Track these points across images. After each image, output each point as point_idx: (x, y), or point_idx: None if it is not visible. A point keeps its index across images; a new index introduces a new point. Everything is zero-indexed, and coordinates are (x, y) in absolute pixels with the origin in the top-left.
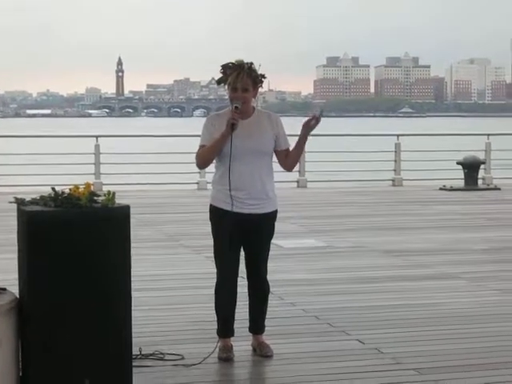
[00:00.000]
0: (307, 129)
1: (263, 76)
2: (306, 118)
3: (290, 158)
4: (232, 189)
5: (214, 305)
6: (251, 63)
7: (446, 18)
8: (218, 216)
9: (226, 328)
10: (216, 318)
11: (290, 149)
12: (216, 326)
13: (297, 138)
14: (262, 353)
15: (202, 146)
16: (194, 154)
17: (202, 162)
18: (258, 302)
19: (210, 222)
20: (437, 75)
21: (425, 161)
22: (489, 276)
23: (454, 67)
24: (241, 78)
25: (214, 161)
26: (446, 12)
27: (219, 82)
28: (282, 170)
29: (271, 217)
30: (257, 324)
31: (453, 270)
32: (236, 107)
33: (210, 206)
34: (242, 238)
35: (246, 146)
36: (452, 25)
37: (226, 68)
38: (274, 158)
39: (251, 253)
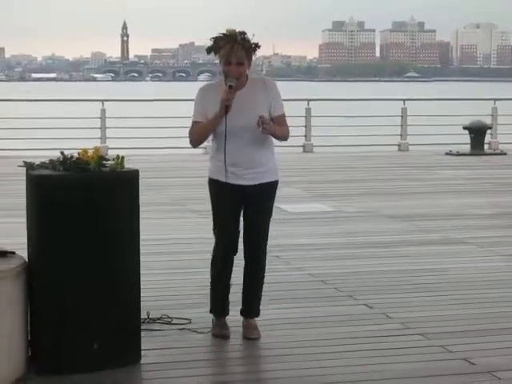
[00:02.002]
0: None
1: (257, 45)
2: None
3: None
4: (228, 165)
5: (214, 278)
6: (244, 33)
7: None
8: (215, 187)
9: (221, 306)
10: (210, 296)
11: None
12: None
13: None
14: (246, 334)
15: (194, 123)
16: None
17: (196, 141)
18: (253, 283)
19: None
20: (442, 40)
21: (431, 125)
22: (496, 241)
23: (460, 32)
24: (235, 51)
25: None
26: None
27: (209, 50)
28: (290, 134)
29: (270, 187)
30: (250, 306)
31: (460, 236)
32: (230, 86)
33: (208, 178)
34: (240, 211)
35: (240, 122)
36: None
37: (218, 39)
38: None
39: (248, 227)
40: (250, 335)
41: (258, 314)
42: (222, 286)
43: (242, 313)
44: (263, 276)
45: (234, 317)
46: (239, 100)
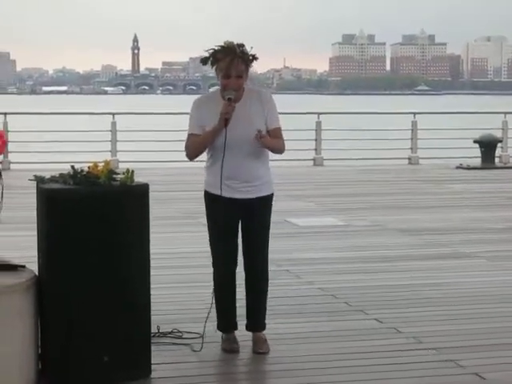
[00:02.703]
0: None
1: (254, 57)
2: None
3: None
4: (224, 178)
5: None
6: (243, 45)
7: None
8: (210, 201)
9: (226, 322)
10: (216, 311)
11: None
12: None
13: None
14: (255, 348)
15: (191, 135)
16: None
17: (193, 154)
18: (255, 297)
19: (202, 204)
20: (453, 53)
21: (441, 139)
22: (507, 255)
23: (471, 45)
24: (235, 64)
25: None
26: None
27: (205, 61)
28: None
29: (266, 201)
30: (255, 320)
31: (471, 250)
32: (229, 99)
33: (204, 191)
34: (237, 225)
35: (239, 135)
36: (468, 2)
37: (216, 52)
38: None
39: (247, 240)
40: (259, 349)
41: (264, 328)
42: (228, 300)
43: (248, 327)
44: (267, 289)
45: (243, 331)
46: (236, 113)
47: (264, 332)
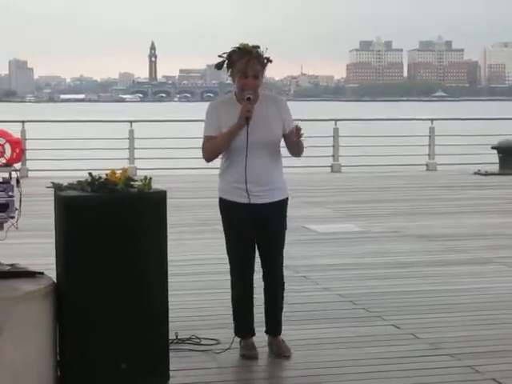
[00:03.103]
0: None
1: (269, 60)
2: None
3: (290, 149)
4: (248, 183)
5: (231, 301)
6: (258, 47)
7: (479, 2)
8: (228, 209)
9: (245, 328)
10: (233, 318)
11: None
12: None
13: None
14: (279, 351)
15: (207, 137)
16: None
17: (211, 155)
18: (274, 302)
19: (220, 215)
20: (470, 59)
21: (459, 145)
22: None
23: (488, 51)
24: (252, 64)
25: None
26: None
27: (220, 66)
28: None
29: (282, 205)
30: (275, 324)
31: (489, 255)
32: (248, 98)
33: (220, 198)
34: (254, 231)
35: (257, 137)
36: (485, 8)
37: (231, 54)
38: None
39: (264, 246)
40: (286, 353)
41: (281, 331)
42: (246, 306)
43: (268, 331)
44: (283, 293)
45: (259, 337)
46: (256, 115)
47: (282, 338)
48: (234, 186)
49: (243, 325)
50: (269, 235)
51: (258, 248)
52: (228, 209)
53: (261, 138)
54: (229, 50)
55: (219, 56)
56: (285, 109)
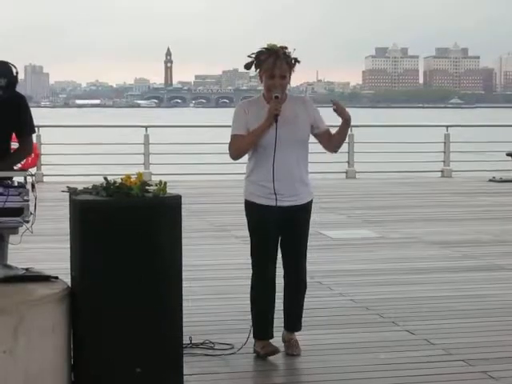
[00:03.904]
0: (343, 114)
1: (297, 60)
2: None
3: (335, 140)
4: (276, 184)
5: (250, 304)
6: (285, 47)
7: (495, 9)
8: (255, 212)
9: (265, 330)
10: (252, 320)
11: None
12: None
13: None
14: (287, 351)
15: (235, 136)
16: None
17: (239, 152)
18: (295, 299)
19: (246, 218)
20: (486, 66)
21: (474, 152)
22: None
23: (504, 58)
24: (279, 64)
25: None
26: (495, 2)
27: (249, 66)
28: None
29: (308, 207)
30: (295, 320)
31: (504, 262)
32: (276, 97)
33: (246, 201)
34: (279, 233)
35: (287, 135)
36: (501, 15)
37: (259, 54)
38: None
39: (288, 247)
40: (293, 352)
41: (301, 327)
42: (268, 305)
43: (287, 327)
44: (305, 293)
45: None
46: (283, 115)
47: (296, 339)
48: (261, 184)
49: (264, 326)
50: (293, 235)
51: (281, 248)
52: (254, 211)
53: (289, 135)
54: (257, 50)
55: (248, 56)
56: (313, 108)
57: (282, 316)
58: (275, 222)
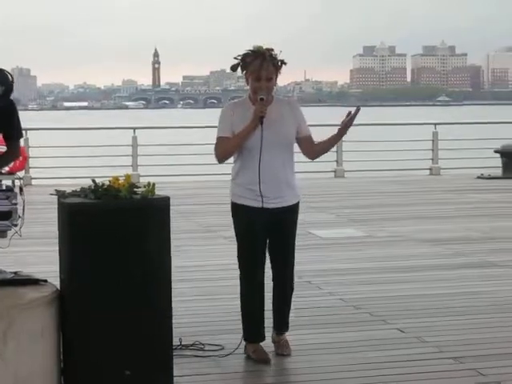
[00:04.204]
0: (345, 129)
1: (283, 62)
2: (345, 118)
3: (318, 148)
4: (261, 185)
5: (240, 306)
6: (272, 49)
7: (482, 7)
8: (242, 214)
9: (257, 333)
10: (242, 323)
11: (319, 139)
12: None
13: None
14: (277, 351)
15: (221, 138)
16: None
17: (224, 155)
18: (285, 299)
19: (232, 220)
20: (473, 63)
21: (462, 149)
22: None
23: (491, 55)
24: (265, 66)
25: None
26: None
27: (235, 67)
28: (314, 160)
29: (295, 209)
30: (283, 321)
31: (492, 259)
32: (261, 99)
33: (233, 203)
34: (266, 235)
35: (271, 138)
36: (488, 13)
37: (245, 56)
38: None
39: (276, 247)
40: (283, 352)
41: (288, 328)
42: (258, 307)
43: (276, 328)
44: (292, 294)
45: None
46: (269, 117)
47: (286, 339)
48: (248, 187)
49: (254, 328)
50: (280, 237)
51: (269, 250)
52: (240, 213)
53: (274, 137)
54: (244, 51)
55: (234, 58)
56: (299, 111)
57: (271, 317)
58: (262, 225)
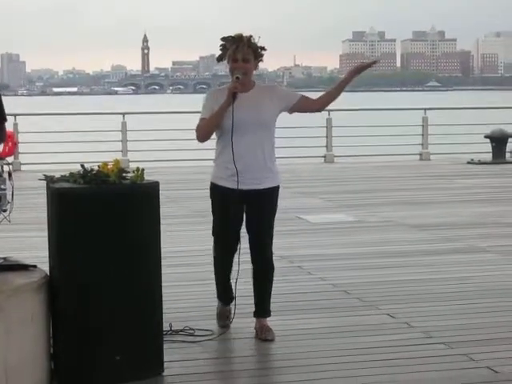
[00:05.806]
0: (354, 74)
1: (263, 48)
2: (356, 65)
3: (325, 97)
4: (237, 166)
5: (216, 273)
6: (250, 36)
7: None
8: (217, 193)
9: (224, 296)
10: (216, 284)
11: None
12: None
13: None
14: (261, 336)
15: (201, 119)
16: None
17: (203, 134)
18: (262, 285)
19: (210, 200)
20: (463, 49)
21: (452, 135)
22: None
23: (481, 40)
24: (241, 48)
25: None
26: None
27: (220, 58)
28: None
29: (273, 193)
30: (263, 306)
31: (482, 244)
32: (237, 77)
33: (211, 183)
34: (242, 215)
35: (247, 118)
36: None
37: (225, 41)
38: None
39: (253, 231)
40: (267, 337)
41: (269, 314)
42: (226, 274)
43: (256, 314)
44: (273, 278)
45: (251, 326)
46: (248, 99)
47: (275, 328)
48: (225, 166)
49: (224, 290)
50: (257, 216)
51: (247, 230)
52: (217, 193)
53: (248, 118)
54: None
55: (220, 49)
56: (281, 91)
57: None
58: (237, 207)
